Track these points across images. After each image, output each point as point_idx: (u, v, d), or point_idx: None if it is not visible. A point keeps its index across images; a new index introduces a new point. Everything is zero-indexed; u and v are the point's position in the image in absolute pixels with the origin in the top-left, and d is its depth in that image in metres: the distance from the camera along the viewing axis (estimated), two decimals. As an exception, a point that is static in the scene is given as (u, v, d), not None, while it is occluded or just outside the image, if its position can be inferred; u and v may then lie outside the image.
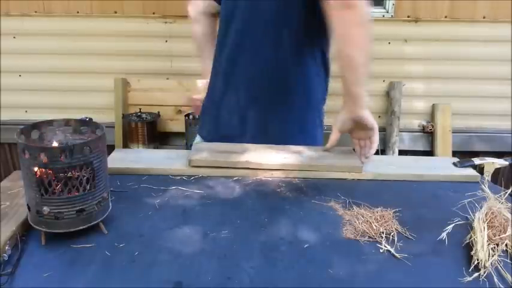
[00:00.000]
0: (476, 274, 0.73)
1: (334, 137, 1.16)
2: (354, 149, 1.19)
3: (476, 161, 1.18)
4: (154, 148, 2.22)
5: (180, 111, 2.36)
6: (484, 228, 0.80)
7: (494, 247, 0.78)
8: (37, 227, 0.79)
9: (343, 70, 1.10)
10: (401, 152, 2.36)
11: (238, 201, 0.98)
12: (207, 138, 1.34)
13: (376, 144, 1.14)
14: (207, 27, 1.42)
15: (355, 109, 1.11)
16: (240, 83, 1.26)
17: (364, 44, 1.07)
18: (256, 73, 1.23)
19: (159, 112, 2.28)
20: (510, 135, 2.34)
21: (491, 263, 0.74)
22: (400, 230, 0.86)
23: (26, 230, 0.83)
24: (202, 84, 1.41)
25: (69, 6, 2.22)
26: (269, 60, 1.22)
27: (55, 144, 0.83)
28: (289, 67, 1.23)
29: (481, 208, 0.87)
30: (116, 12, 2.23)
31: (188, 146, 2.10)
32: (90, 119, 1.13)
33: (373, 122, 1.12)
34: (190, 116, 2.19)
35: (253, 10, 1.20)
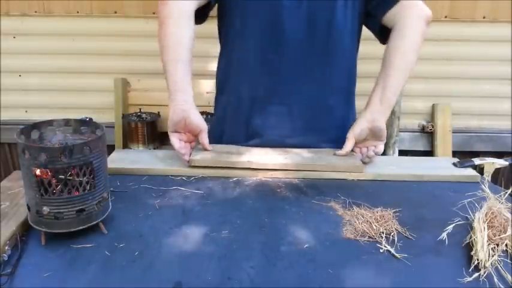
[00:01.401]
0: (476, 274, 0.73)
1: (349, 144, 1.14)
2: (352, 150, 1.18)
3: (476, 161, 1.18)
4: (154, 148, 2.22)
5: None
6: (484, 228, 0.80)
7: (494, 247, 0.78)
8: (37, 227, 0.79)
9: (395, 75, 1.11)
10: (401, 152, 2.35)
11: (238, 201, 0.98)
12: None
13: (380, 152, 1.15)
14: (192, 30, 1.14)
15: (379, 118, 1.12)
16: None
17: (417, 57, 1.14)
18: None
19: (159, 112, 2.28)
20: (510, 135, 2.34)
21: (491, 263, 0.74)
22: (400, 230, 0.86)
23: (26, 230, 0.83)
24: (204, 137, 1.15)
25: (69, 6, 2.22)
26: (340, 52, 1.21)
27: (55, 144, 0.83)
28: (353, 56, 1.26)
29: (481, 208, 0.87)
30: (115, 12, 2.23)
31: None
32: (90, 119, 1.13)
33: (385, 135, 1.14)
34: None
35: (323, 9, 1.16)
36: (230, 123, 1.29)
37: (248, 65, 1.22)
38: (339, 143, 1.20)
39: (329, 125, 1.26)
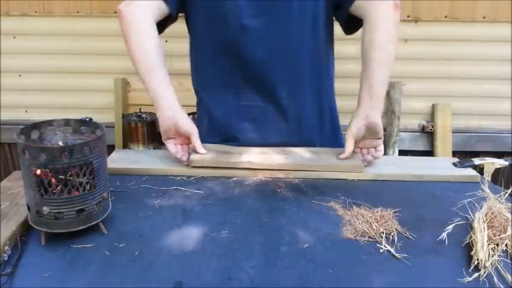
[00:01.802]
0: (476, 274, 0.73)
1: (350, 145, 1.12)
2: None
3: (476, 161, 1.18)
4: (154, 148, 2.22)
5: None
6: (484, 228, 0.80)
7: (494, 247, 0.78)
8: (37, 227, 0.79)
9: (376, 66, 1.10)
10: (401, 152, 2.35)
11: (238, 201, 0.98)
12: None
13: (381, 153, 1.14)
14: (157, 37, 1.13)
15: (372, 113, 1.10)
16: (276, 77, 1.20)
17: (396, 45, 1.12)
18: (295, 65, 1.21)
19: (159, 112, 2.28)
20: (510, 135, 2.33)
21: (491, 263, 0.74)
22: (400, 230, 0.86)
23: (26, 230, 0.83)
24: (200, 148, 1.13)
25: (69, 6, 2.22)
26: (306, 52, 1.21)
27: (55, 144, 0.83)
28: (322, 55, 1.25)
29: (481, 208, 0.87)
30: (116, 12, 2.22)
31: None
32: (90, 119, 1.12)
33: (382, 132, 1.13)
34: (190, 116, 2.19)
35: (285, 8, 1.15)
36: (206, 127, 1.29)
37: (216, 70, 1.22)
38: (321, 144, 1.23)
39: (302, 125, 1.25)
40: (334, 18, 1.25)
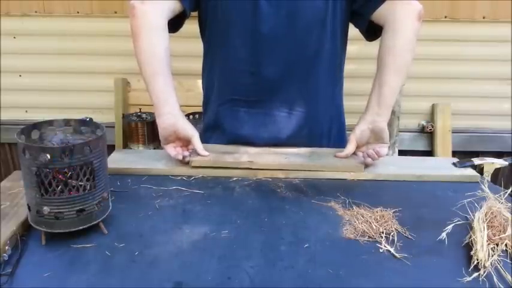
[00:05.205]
0: (476, 274, 0.73)
1: (351, 146, 1.12)
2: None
3: (476, 161, 1.18)
4: (154, 148, 2.22)
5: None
6: (484, 228, 0.80)
7: (494, 247, 0.78)
8: (37, 227, 0.79)
9: (391, 75, 1.09)
10: (401, 152, 2.35)
11: (238, 201, 0.98)
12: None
13: (383, 154, 1.13)
14: (167, 39, 1.11)
15: (379, 119, 1.09)
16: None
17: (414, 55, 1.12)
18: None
19: (159, 112, 2.28)
20: (510, 135, 2.34)
21: (490, 263, 0.74)
22: (400, 230, 0.86)
23: (26, 230, 0.83)
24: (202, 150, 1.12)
25: (69, 6, 2.22)
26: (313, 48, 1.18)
27: (55, 144, 0.84)
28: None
29: (480, 208, 0.87)
30: (116, 12, 2.23)
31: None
32: (91, 119, 1.12)
33: (388, 138, 1.12)
34: (191, 117, 2.19)
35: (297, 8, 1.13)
36: (217, 131, 1.27)
37: (230, 74, 1.21)
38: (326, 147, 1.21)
39: (313, 133, 1.25)
40: (353, 25, 1.22)
